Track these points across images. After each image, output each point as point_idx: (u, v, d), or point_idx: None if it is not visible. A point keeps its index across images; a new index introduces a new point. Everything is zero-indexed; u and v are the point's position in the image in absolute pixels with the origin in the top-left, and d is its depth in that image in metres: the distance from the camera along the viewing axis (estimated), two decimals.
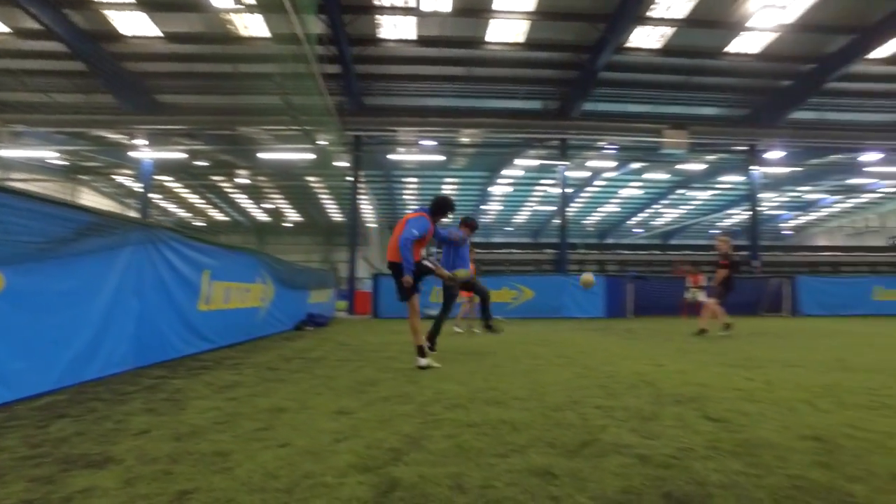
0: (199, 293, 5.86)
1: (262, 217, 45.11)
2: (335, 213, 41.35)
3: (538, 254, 22.67)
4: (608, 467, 2.31)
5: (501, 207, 43.39)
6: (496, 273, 19.66)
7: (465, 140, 23.81)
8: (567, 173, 30.57)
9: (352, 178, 19.16)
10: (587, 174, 30.56)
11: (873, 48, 15.66)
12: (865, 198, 42.95)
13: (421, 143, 21.42)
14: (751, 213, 20.24)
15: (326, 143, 14.16)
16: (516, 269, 21.60)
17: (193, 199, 39.11)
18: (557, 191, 38.10)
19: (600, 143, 23.74)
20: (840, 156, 23.61)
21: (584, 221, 49.58)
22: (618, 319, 14.87)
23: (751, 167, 19.57)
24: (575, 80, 18.14)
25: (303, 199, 36.73)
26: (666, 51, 16.56)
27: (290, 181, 30.06)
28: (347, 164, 19.71)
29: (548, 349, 6.99)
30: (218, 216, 44.94)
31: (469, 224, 6.77)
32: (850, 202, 44.24)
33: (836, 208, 46.40)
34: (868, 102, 19.70)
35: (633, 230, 53.99)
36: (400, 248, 5.29)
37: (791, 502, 1.99)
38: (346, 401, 3.66)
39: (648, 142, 19.26)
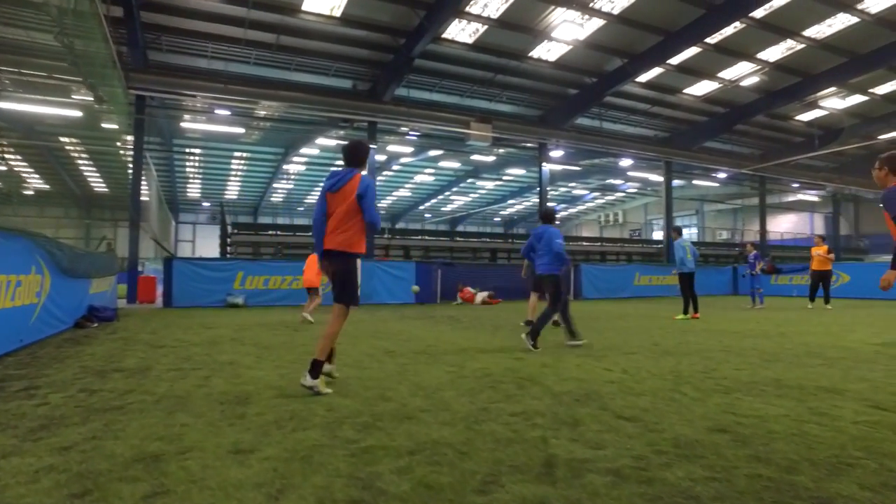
0: None
1: None
2: (98, 182, 34.91)
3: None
4: (598, 490, 2.16)
5: (292, 186, 41.57)
6: (297, 258, 18.69)
7: (264, 112, 22.00)
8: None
9: (130, 144, 16.16)
10: (383, 157, 30.87)
11: (638, 73, 18.59)
12: (615, 196, 51.55)
13: (216, 111, 19.10)
14: (539, 205, 22.57)
15: (104, 99, 11.53)
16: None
17: None
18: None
19: (404, 129, 24.14)
20: (605, 160, 27.77)
21: (378, 205, 50.45)
22: (430, 305, 15.31)
23: (542, 163, 21.84)
24: (390, 64, 17.96)
25: (56, 163, 30.13)
26: (477, 46, 17.35)
27: (36, 140, 24.30)
28: (119, 127, 16.56)
29: (395, 343, 6.74)
30: None
31: None
32: (604, 199, 52.65)
33: (593, 203, 54.77)
34: (630, 117, 23.48)
35: (425, 215, 56.77)
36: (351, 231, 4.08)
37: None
38: (228, 432, 2.91)
39: (456, 132, 20.07)
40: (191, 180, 39.27)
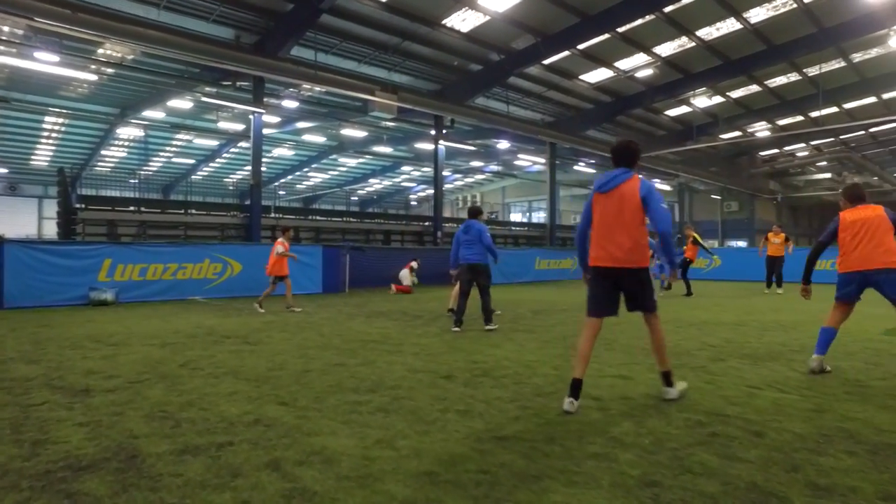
0: None
1: None
2: None
3: (223, 216, 18.76)
4: None
5: (124, 154, 35.24)
6: (182, 240, 15.39)
7: (114, 54, 17.63)
8: (222, 124, 26.67)
9: None
10: (241, 126, 27.20)
11: (548, 55, 18.24)
12: (474, 179, 52.46)
13: (42, 47, 14.59)
14: (433, 187, 21.44)
15: None
16: (194, 234, 17.35)
17: None
18: (208, 142, 33.51)
19: (290, 92, 21.22)
20: (488, 140, 27.47)
21: (227, 180, 45.23)
22: (338, 295, 13.49)
23: (440, 141, 20.64)
24: (287, 15, 15.27)
25: None
26: (391, 6, 15.48)
27: None
28: None
29: (329, 341, 5.19)
30: None
31: None
32: (463, 181, 53.29)
33: (451, 185, 55.17)
34: (524, 99, 23.28)
35: (279, 192, 52.40)
36: None
37: None
38: None
39: (356, 100, 17.97)
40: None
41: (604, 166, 30.59)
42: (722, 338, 6.61)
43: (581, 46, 18.36)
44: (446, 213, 58.03)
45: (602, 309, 3.70)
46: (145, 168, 37.94)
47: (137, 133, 31.08)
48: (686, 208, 39.07)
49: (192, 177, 40.26)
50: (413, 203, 62.19)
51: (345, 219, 23.63)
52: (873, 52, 20.44)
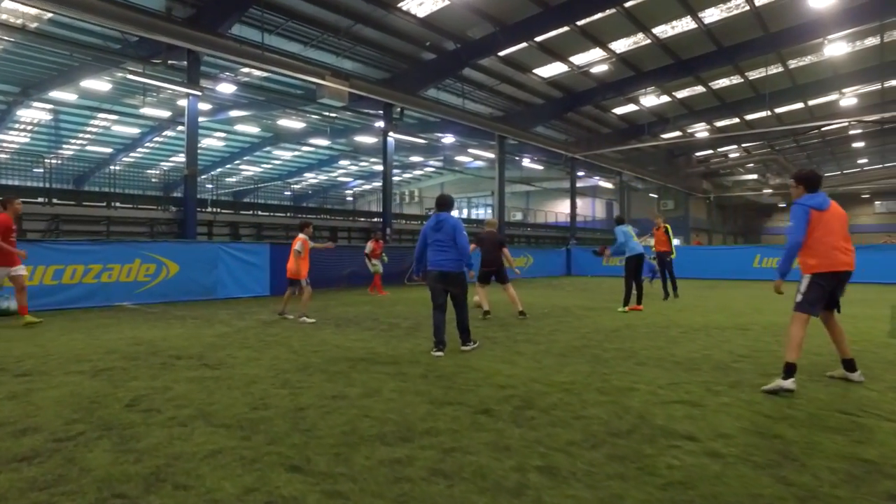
0: None
1: None
2: None
3: (152, 210, 16.72)
4: None
5: (27, 140, 31.56)
6: (105, 237, 13.44)
7: (12, 20, 15.30)
8: (147, 111, 24.24)
9: None
10: (167, 113, 24.86)
11: (505, 46, 17.59)
12: (412, 174, 51.48)
13: None
14: (382, 181, 20.28)
15: None
16: (120, 230, 15.31)
17: None
18: (129, 130, 30.44)
19: (227, 76, 19.39)
20: (433, 135, 26.55)
21: (149, 172, 41.69)
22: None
23: (388, 133, 19.47)
24: None
25: None
26: None
27: None
28: None
29: (307, 360, 4.22)
30: None
31: None
32: (401, 177, 52.11)
33: (393, 180, 53.79)
34: (475, 92, 22.53)
35: (206, 186, 48.98)
36: None
37: None
38: None
39: (304, 84, 16.54)
40: None
41: (550, 163, 30.53)
42: (755, 343, 6.10)
43: (539, 39, 17.87)
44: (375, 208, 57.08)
45: (818, 309, 4.22)
46: (54, 156, 34.15)
47: (43, 116, 27.76)
48: (626, 206, 39.90)
49: (111, 167, 36.76)
50: (349, 199, 60.39)
51: (289, 214, 21.95)
52: (807, 60, 21.34)
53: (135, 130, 30.88)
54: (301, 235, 8.42)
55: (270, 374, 4.64)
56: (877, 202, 49.18)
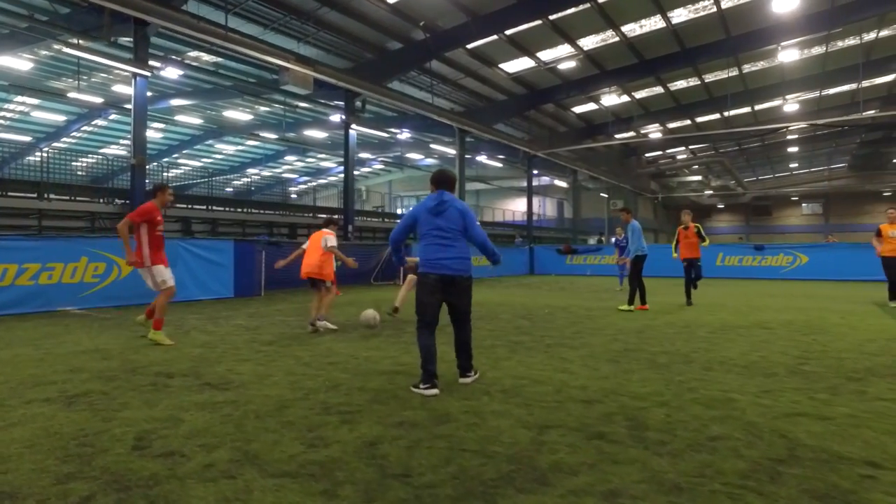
0: None
1: None
2: None
3: (93, 203, 14.92)
4: None
5: None
6: (37, 232, 11.75)
7: None
8: (79, 95, 22.00)
9: None
10: (99, 100, 22.60)
11: (476, 38, 17.00)
12: (359, 171, 50.03)
13: None
14: (344, 175, 19.18)
15: None
16: (55, 224, 13.53)
17: None
18: (52, 117, 27.62)
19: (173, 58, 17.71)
20: (383, 129, 25.60)
21: (76, 163, 38.30)
22: (256, 300, 11.18)
23: (351, 126, 18.42)
24: None
25: None
26: None
27: None
28: None
29: (336, 376, 3.54)
30: None
31: None
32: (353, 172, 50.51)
33: (336, 178, 52.19)
34: (438, 85, 21.81)
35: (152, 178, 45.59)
36: None
37: None
38: None
39: (268, 69, 15.27)
40: None
41: (509, 161, 30.27)
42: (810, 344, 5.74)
43: (509, 32, 17.38)
44: (334, 205, 55.58)
45: None
46: None
47: None
48: (577, 206, 40.39)
49: (30, 158, 33.41)
50: (293, 196, 58.17)
51: (246, 210, 20.40)
52: (760, 65, 22.05)
53: (59, 118, 28.11)
54: (327, 230, 7.30)
55: (298, 394, 3.77)
56: (804, 204, 52.39)
